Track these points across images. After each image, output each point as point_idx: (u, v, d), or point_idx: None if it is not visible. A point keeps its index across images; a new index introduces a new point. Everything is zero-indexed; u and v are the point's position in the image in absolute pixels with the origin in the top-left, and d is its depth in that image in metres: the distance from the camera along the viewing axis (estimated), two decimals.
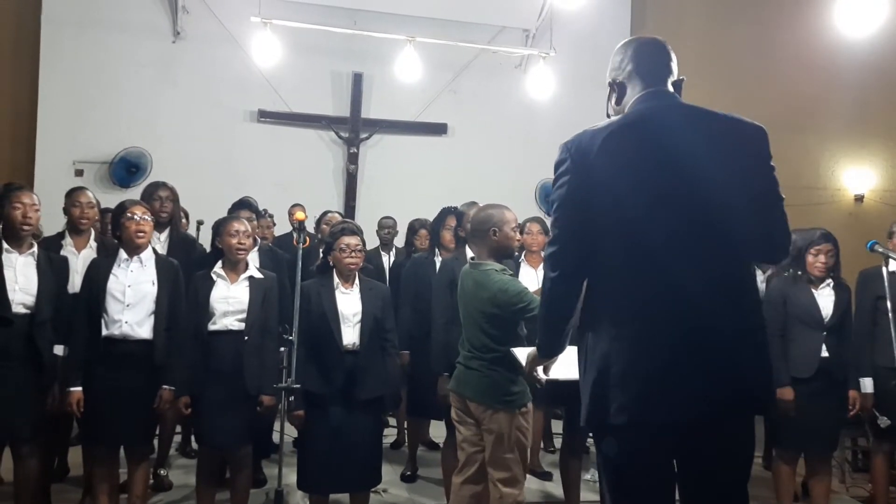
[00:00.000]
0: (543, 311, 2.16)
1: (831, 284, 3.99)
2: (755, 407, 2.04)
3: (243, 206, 4.58)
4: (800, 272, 4.01)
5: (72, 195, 4.09)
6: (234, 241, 3.64)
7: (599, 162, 1.92)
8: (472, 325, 3.23)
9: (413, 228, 5.54)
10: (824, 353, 3.89)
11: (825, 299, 3.96)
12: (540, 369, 2.44)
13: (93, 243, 4.06)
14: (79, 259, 3.92)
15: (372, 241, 5.50)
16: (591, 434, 3.82)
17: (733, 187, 1.92)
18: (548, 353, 2.28)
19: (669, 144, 1.92)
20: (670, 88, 2.06)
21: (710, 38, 8.29)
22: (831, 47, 7.23)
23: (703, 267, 1.88)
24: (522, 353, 2.48)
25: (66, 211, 4.08)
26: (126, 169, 7.50)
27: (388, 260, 5.81)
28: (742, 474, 2.00)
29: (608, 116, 2.17)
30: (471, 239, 3.47)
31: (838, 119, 8.54)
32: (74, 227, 4.05)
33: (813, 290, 3.97)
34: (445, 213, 4.68)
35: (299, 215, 3.80)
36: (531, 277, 4.38)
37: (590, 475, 4.62)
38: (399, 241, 6.02)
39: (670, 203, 1.88)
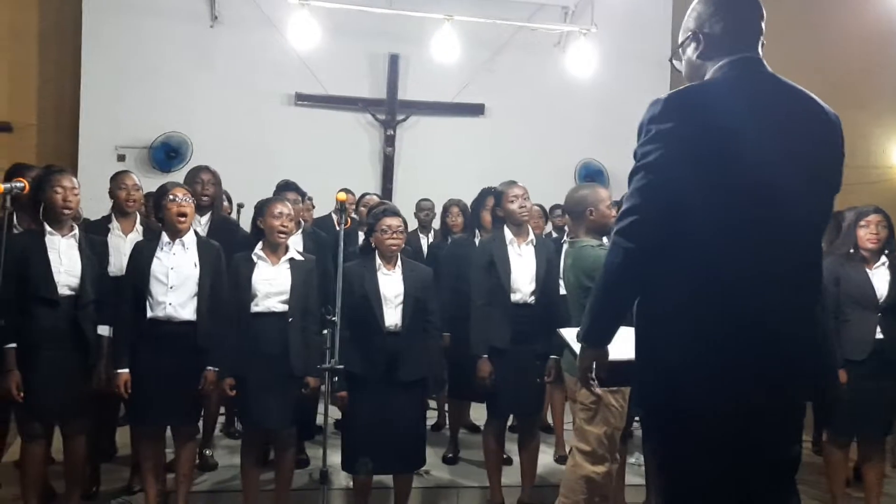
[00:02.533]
0: (605, 287, 1.88)
1: (886, 263, 3.87)
2: (817, 390, 1.96)
3: (289, 188, 4.57)
4: (851, 250, 3.90)
5: (117, 178, 4.12)
6: (277, 223, 3.64)
7: (703, 130, 1.76)
8: (574, 302, 3.28)
9: (445, 207, 5.52)
10: (878, 335, 3.78)
11: (880, 279, 3.84)
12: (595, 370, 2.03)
13: (139, 226, 4.09)
14: (126, 242, 3.96)
15: (410, 223, 5.48)
16: (636, 418, 3.82)
17: (821, 173, 1.86)
18: (598, 341, 1.94)
19: (766, 122, 1.80)
20: (761, 53, 1.93)
21: None
22: (882, 20, 6.98)
23: (792, 249, 1.80)
24: (571, 334, 2.42)
25: (112, 194, 4.11)
26: (165, 153, 7.57)
27: (426, 242, 5.79)
28: (795, 464, 1.94)
29: (671, 60, 2.04)
30: (568, 219, 3.62)
31: (890, 95, 8.26)
32: (121, 210, 4.08)
33: (867, 270, 3.85)
34: (485, 193, 4.64)
35: (340, 196, 3.78)
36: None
37: (634, 459, 4.56)
38: (437, 223, 5.99)
39: (765, 183, 1.77)
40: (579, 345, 2.28)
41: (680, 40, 2.03)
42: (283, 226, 3.65)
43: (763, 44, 1.95)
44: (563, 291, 3.93)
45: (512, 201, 3.92)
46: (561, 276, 3.81)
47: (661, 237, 1.78)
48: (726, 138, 1.76)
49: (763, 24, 1.95)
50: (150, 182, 5.39)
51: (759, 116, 1.81)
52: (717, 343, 1.76)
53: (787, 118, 1.84)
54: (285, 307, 3.61)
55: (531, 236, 4.00)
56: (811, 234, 1.89)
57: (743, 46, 1.91)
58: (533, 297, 3.88)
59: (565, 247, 4.65)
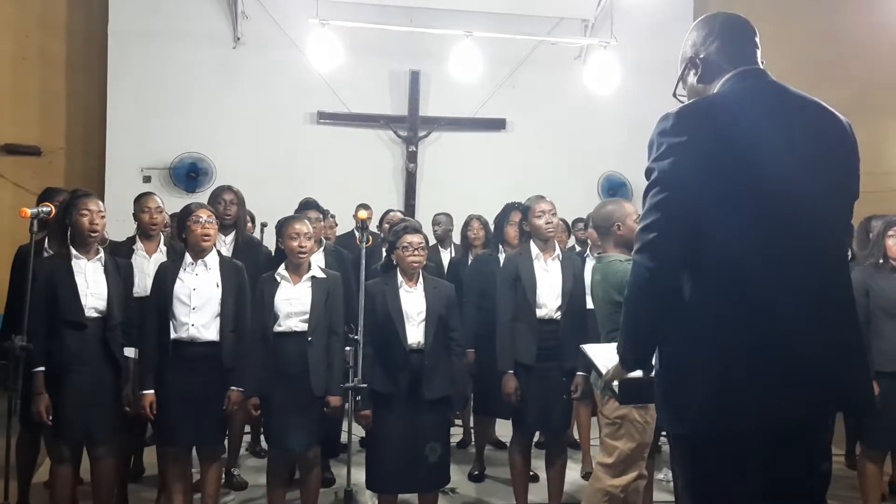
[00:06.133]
0: (633, 308, 1.86)
1: None
2: (856, 410, 1.91)
3: (310, 206, 4.60)
4: (881, 260, 3.84)
5: (140, 201, 4.17)
6: (295, 243, 3.65)
7: (717, 140, 1.74)
8: (603, 317, 3.26)
9: (466, 222, 5.52)
10: None
11: None
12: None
13: (163, 247, 4.13)
14: (150, 263, 4.00)
15: (431, 239, 5.49)
16: (663, 433, 3.76)
17: (840, 179, 1.83)
18: (633, 364, 1.92)
19: (780, 129, 1.79)
20: (762, 65, 1.92)
21: (780, 20, 7.98)
22: None
23: (819, 259, 1.77)
24: (595, 350, 2.39)
25: (136, 217, 4.16)
26: (186, 173, 7.66)
27: (446, 257, 5.79)
28: (826, 482, 1.90)
29: (675, 95, 2.02)
30: (596, 234, 3.62)
31: None
32: (144, 233, 4.13)
33: None
34: (509, 208, 4.62)
35: (362, 214, 3.79)
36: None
37: (662, 475, 4.50)
38: (458, 237, 5.99)
39: (785, 192, 1.75)
40: (602, 362, 2.25)
41: (679, 72, 2.02)
42: (302, 246, 3.66)
43: (763, 61, 1.94)
44: (590, 306, 3.94)
45: (539, 216, 3.90)
46: (588, 291, 3.79)
47: (682, 252, 1.75)
48: (742, 149, 1.74)
49: (757, 40, 1.95)
50: (175, 203, 5.46)
51: (773, 125, 1.79)
52: (747, 364, 1.72)
53: (801, 125, 1.82)
54: (306, 326, 3.62)
55: (557, 251, 3.97)
56: (836, 242, 1.86)
57: (743, 60, 1.90)
58: (559, 313, 3.86)
59: (590, 262, 4.65)
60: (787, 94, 1.88)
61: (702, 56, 1.95)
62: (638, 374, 2.13)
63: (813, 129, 1.83)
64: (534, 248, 3.93)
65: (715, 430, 1.74)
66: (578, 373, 3.82)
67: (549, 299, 3.87)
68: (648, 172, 1.82)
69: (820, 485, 1.87)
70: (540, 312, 3.84)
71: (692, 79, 1.98)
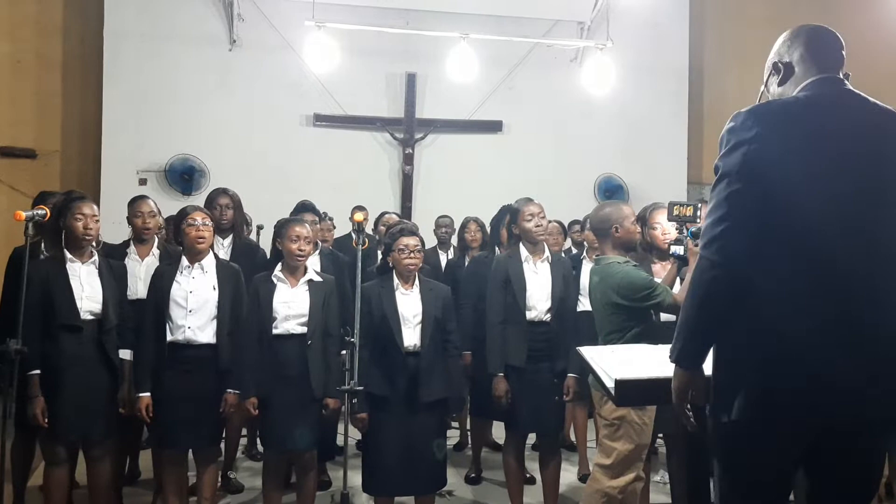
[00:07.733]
0: (697, 303, 1.83)
1: None
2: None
3: (307, 209, 4.60)
4: None
5: (133, 205, 4.16)
6: (295, 246, 3.65)
7: (787, 139, 1.79)
8: (602, 319, 3.26)
9: (463, 224, 5.52)
10: None
11: None
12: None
13: (156, 251, 4.12)
14: (142, 266, 4.00)
15: (429, 241, 5.48)
16: (660, 435, 3.76)
17: None
18: (692, 362, 1.86)
19: (855, 135, 1.84)
20: (841, 76, 1.97)
21: (775, 23, 7.91)
22: None
23: (879, 265, 1.79)
24: (592, 353, 2.40)
25: (130, 221, 4.15)
26: (181, 176, 7.64)
27: (444, 259, 5.78)
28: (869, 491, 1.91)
29: (759, 100, 2.04)
30: (593, 237, 3.66)
31: None
32: (138, 237, 4.12)
33: None
34: (505, 211, 4.61)
35: (358, 216, 3.79)
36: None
37: (659, 476, 4.49)
38: (455, 239, 5.99)
39: (850, 195, 1.78)
40: (599, 365, 2.25)
41: (764, 79, 2.07)
42: (301, 249, 3.65)
43: (848, 74, 1.98)
44: (583, 308, 3.94)
45: (528, 220, 3.90)
46: (585, 293, 3.79)
47: (749, 245, 1.76)
48: (809, 148, 1.79)
49: (843, 54, 1.99)
50: (171, 205, 5.45)
51: (842, 128, 1.83)
52: (804, 360, 1.74)
53: (870, 131, 1.86)
54: (304, 329, 3.61)
55: (547, 253, 3.98)
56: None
57: (825, 68, 1.95)
58: (549, 315, 3.86)
59: (585, 263, 4.66)
60: (861, 101, 1.92)
61: (785, 60, 2.01)
62: (635, 374, 2.14)
63: (882, 135, 1.87)
64: (523, 251, 3.94)
65: (763, 421, 1.78)
66: (570, 374, 3.82)
67: (538, 301, 3.88)
68: (716, 169, 1.86)
69: (862, 492, 1.88)
70: (530, 315, 3.85)
71: (773, 82, 2.04)
